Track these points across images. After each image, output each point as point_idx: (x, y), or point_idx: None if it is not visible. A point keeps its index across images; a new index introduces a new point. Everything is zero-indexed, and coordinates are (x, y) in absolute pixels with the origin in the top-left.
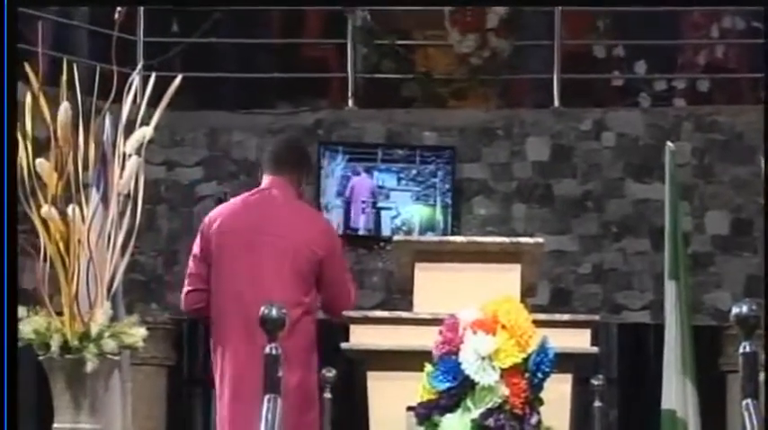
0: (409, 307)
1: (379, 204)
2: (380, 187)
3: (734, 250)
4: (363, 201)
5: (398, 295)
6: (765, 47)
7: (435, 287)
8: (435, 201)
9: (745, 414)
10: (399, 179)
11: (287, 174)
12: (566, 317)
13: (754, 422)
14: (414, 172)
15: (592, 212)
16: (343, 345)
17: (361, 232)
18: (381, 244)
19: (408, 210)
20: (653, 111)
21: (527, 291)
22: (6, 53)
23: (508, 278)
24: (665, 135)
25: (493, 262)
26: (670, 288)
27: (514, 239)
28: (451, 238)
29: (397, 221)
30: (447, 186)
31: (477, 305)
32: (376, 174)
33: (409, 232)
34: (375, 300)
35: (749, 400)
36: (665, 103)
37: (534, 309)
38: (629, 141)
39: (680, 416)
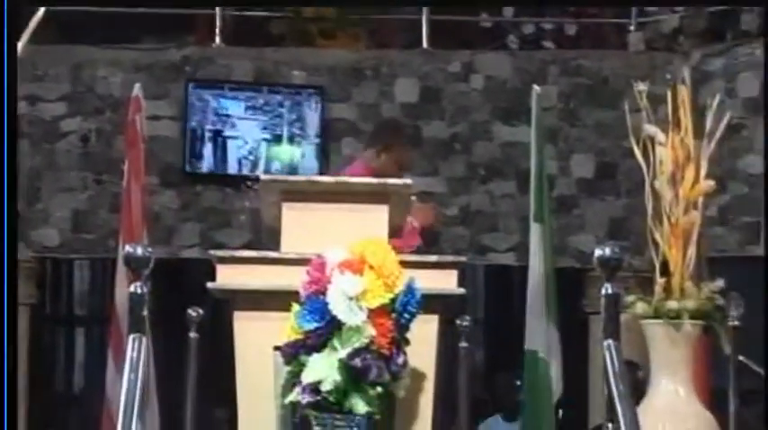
0: (276, 247)
1: (225, 133)
2: (227, 116)
3: (598, 193)
4: (210, 130)
5: (266, 234)
6: (765, 43)
7: (303, 227)
8: (295, 138)
9: (607, 354)
10: (246, 108)
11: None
12: (433, 258)
13: (615, 362)
14: (261, 101)
15: (459, 154)
16: (210, 285)
17: (205, 162)
18: (249, 183)
19: (256, 141)
20: (520, 55)
21: (394, 232)
22: (6, 53)
23: (376, 219)
24: (532, 78)
25: (361, 202)
26: (534, 230)
27: (382, 180)
28: (319, 178)
29: (244, 151)
30: (298, 123)
31: (344, 245)
32: (222, 101)
33: (255, 163)
34: (242, 239)
35: (610, 341)
36: (533, 46)
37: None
38: (497, 84)
39: (542, 356)
